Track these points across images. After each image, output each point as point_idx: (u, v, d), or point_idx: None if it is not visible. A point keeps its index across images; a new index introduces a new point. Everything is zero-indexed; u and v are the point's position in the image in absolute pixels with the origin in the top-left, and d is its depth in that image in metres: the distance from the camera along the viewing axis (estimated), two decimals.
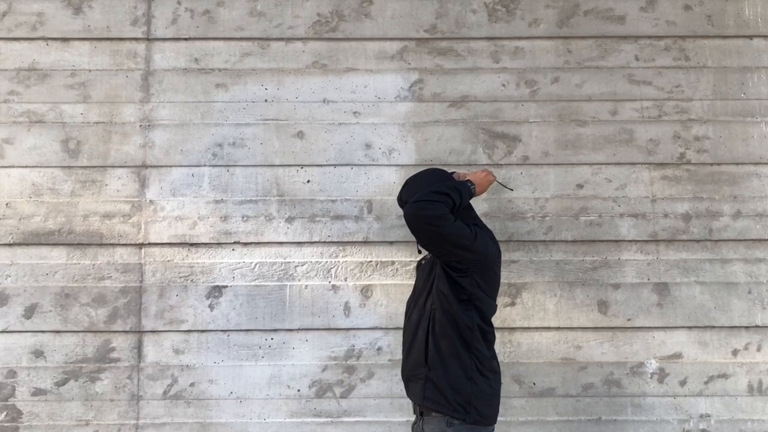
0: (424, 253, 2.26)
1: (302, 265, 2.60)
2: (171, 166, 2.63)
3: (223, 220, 2.61)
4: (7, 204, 2.60)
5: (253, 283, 2.60)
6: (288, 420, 2.55)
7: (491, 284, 2.12)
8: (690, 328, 2.60)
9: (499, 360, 2.55)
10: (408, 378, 2.12)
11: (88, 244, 2.59)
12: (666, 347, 2.59)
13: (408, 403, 2.43)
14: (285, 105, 2.66)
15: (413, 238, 2.24)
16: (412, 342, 2.11)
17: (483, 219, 2.61)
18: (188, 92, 2.66)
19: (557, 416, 2.56)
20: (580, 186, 2.65)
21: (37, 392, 2.54)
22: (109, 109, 2.65)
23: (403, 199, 2.19)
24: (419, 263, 2.33)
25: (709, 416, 2.57)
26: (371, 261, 2.61)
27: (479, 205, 2.62)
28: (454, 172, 2.25)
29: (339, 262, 2.61)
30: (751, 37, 2.71)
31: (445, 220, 1.97)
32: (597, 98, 2.68)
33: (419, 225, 1.99)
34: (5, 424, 2.52)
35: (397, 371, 2.52)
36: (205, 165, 2.64)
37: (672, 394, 2.58)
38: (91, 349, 2.56)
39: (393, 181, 2.63)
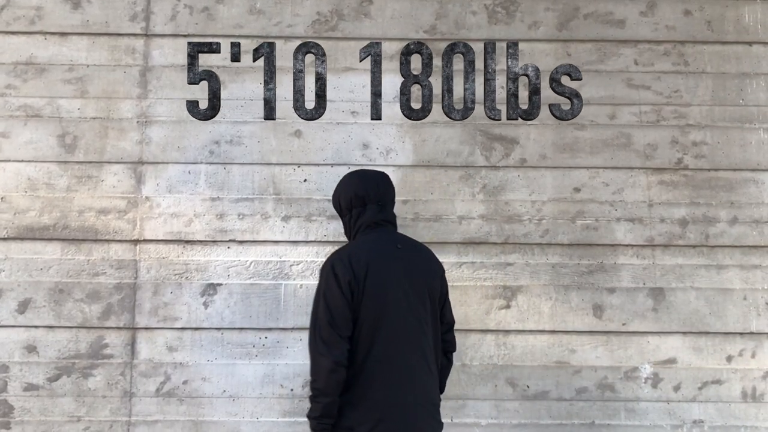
0: None
1: (297, 264, 2.60)
2: (167, 163, 2.63)
3: (219, 217, 2.61)
4: (2, 198, 2.59)
5: (248, 282, 2.59)
6: (281, 419, 2.54)
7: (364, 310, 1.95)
8: (685, 333, 2.60)
9: (494, 362, 2.57)
10: None
11: (83, 240, 2.58)
12: (660, 352, 2.59)
13: None
14: (283, 103, 2.66)
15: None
16: None
17: (479, 221, 2.61)
18: (186, 89, 2.65)
19: (550, 420, 2.56)
20: (577, 189, 2.65)
21: (30, 387, 2.53)
22: (106, 105, 2.64)
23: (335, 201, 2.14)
24: None
25: (702, 422, 2.57)
26: None
27: (477, 207, 2.62)
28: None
29: None
30: (750, 43, 2.71)
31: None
32: (595, 102, 2.67)
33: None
34: None
35: None
36: (201, 162, 2.63)
37: (666, 399, 2.57)
38: (85, 345, 2.55)
39: None
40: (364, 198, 2.04)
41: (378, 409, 1.88)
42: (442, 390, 2.11)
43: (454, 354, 2.18)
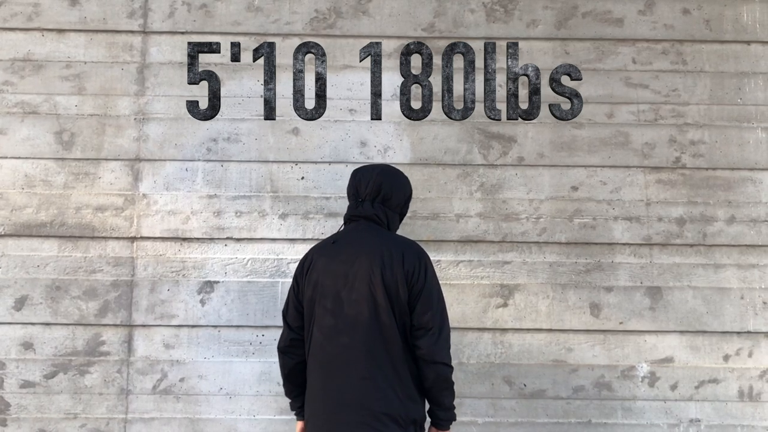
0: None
1: (295, 262, 2.59)
2: (165, 160, 2.62)
3: (216, 215, 2.60)
4: None
5: (245, 279, 2.59)
6: (277, 417, 2.54)
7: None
8: (682, 332, 2.60)
9: (491, 361, 2.57)
10: None
11: (80, 237, 2.58)
12: (657, 351, 2.59)
13: None
14: (281, 101, 2.65)
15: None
16: None
17: (477, 220, 2.61)
18: (183, 86, 2.64)
19: (547, 418, 2.56)
20: (574, 188, 2.64)
21: (26, 384, 2.53)
22: (103, 102, 2.63)
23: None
24: None
25: (699, 421, 2.57)
26: None
27: (474, 205, 2.62)
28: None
29: None
30: (748, 42, 2.71)
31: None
32: (593, 100, 2.67)
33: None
34: None
35: None
36: (199, 159, 2.63)
37: (662, 398, 2.57)
38: (81, 342, 2.55)
39: None
40: (348, 194, 2.08)
41: (309, 404, 1.97)
42: (436, 402, 1.92)
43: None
